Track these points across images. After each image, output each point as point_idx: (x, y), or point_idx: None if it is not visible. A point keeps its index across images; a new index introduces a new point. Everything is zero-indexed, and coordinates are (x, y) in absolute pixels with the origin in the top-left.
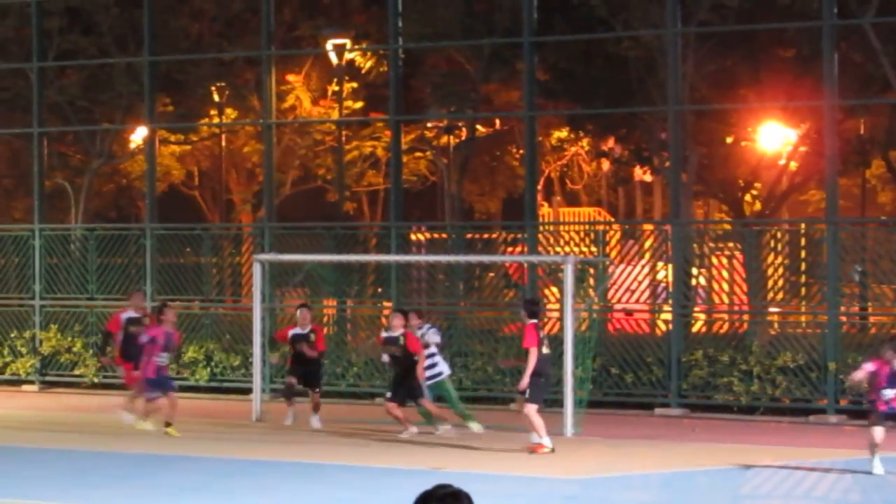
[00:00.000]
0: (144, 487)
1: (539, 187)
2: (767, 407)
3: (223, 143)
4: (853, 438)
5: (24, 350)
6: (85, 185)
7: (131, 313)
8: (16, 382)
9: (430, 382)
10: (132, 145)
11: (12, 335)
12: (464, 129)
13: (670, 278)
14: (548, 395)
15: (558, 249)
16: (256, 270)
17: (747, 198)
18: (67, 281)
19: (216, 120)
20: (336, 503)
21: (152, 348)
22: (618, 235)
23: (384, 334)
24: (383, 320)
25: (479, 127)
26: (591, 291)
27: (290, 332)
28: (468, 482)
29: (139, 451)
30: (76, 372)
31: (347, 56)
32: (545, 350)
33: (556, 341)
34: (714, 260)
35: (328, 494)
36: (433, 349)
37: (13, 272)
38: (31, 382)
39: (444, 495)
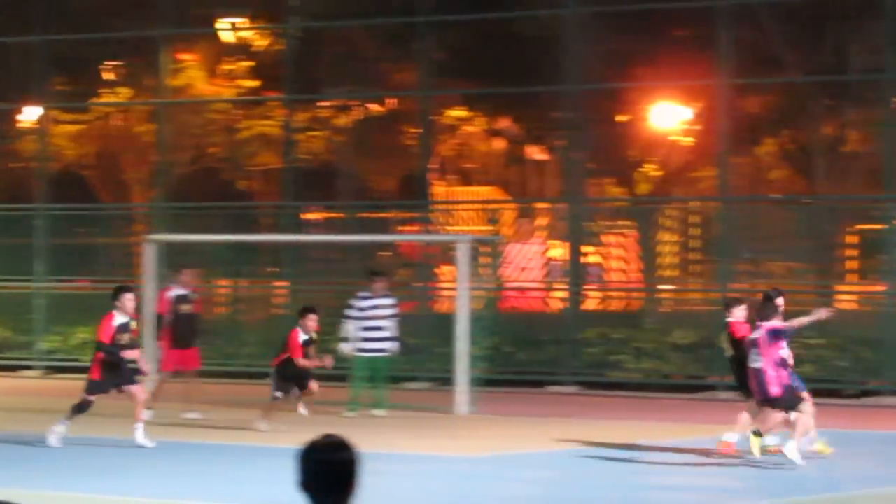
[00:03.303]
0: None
1: (434, 167)
2: (660, 384)
3: (117, 123)
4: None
5: None
6: None
7: (179, 290)
8: None
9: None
10: (25, 125)
11: None
12: (359, 109)
13: (565, 256)
14: (442, 374)
15: (454, 228)
16: (148, 251)
17: (641, 176)
18: None
19: (111, 99)
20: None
21: None
22: (513, 214)
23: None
24: (278, 299)
25: (375, 106)
26: (483, 270)
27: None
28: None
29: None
30: None
31: (242, 35)
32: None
33: (451, 320)
34: (609, 238)
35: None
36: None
37: None
38: None
39: (328, 444)
